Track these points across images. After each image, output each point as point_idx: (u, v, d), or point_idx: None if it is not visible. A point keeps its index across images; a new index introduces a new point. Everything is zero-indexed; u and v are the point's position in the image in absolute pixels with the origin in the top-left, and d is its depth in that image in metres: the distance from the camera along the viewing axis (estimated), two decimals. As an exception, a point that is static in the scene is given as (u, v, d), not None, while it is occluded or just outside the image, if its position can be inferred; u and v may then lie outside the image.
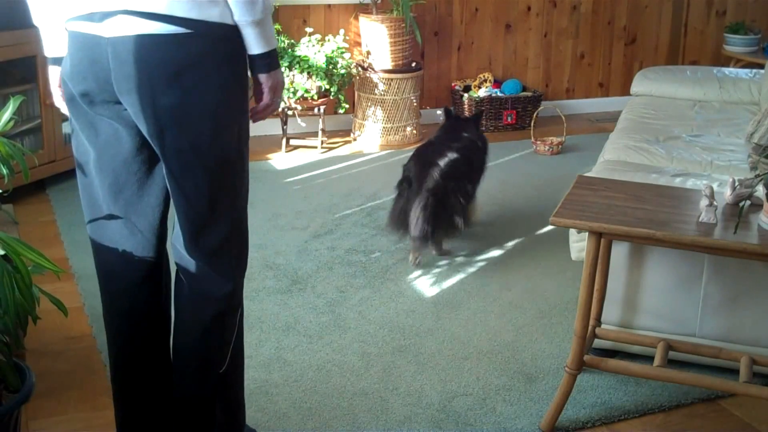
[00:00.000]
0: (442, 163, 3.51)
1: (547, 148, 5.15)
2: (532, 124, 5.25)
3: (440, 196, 3.45)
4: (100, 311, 3.06)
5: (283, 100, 4.87)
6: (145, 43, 1.78)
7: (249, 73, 1.96)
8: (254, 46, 1.88)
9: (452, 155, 3.57)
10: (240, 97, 1.92)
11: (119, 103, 1.87)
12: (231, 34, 1.85)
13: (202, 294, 2.03)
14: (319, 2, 5.32)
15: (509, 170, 4.81)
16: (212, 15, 1.80)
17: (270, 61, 1.93)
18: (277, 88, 1.98)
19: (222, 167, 1.93)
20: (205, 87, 1.83)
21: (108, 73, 1.83)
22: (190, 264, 2.00)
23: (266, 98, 1.98)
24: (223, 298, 2.03)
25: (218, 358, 2.09)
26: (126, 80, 1.81)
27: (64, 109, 2.01)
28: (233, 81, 1.88)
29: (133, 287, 2.09)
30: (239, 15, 1.82)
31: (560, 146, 5.18)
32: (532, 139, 5.18)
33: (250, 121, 2.01)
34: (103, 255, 2.08)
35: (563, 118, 5.23)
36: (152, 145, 1.90)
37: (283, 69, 4.79)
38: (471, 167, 3.67)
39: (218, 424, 2.15)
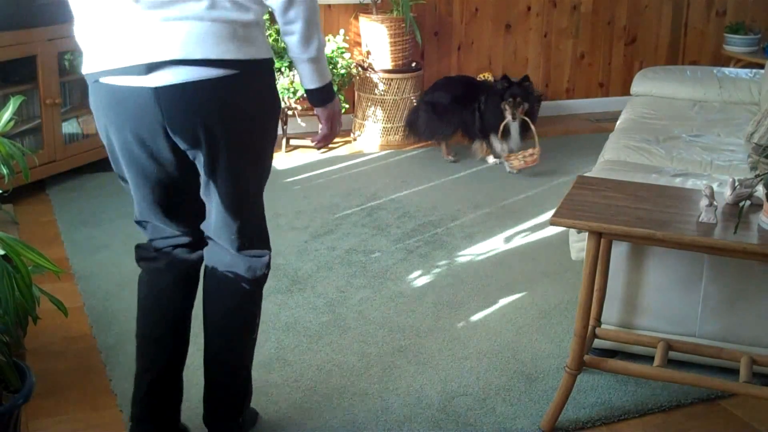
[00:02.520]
0: (428, 97, 5.04)
1: (518, 162, 4.72)
2: (499, 134, 4.75)
3: (414, 117, 5.09)
4: (100, 311, 3.09)
5: (284, 101, 4.88)
6: (199, 87, 1.89)
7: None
8: (309, 81, 2.04)
9: (441, 95, 4.98)
10: (275, 121, 2.09)
11: (167, 137, 1.97)
12: (266, 66, 1.99)
13: (239, 267, 2.15)
14: (319, 2, 5.30)
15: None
16: (251, 53, 1.92)
17: (325, 94, 2.08)
18: (334, 118, 2.14)
19: (255, 180, 2.10)
20: (252, 116, 1.98)
21: (157, 119, 1.92)
22: (222, 250, 2.15)
23: (324, 129, 2.15)
24: (262, 267, 2.17)
25: (252, 327, 2.24)
26: (181, 122, 1.92)
27: None
28: (271, 109, 2.05)
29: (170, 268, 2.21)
30: (296, 52, 1.99)
31: (534, 160, 4.70)
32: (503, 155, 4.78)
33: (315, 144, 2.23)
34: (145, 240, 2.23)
35: (533, 133, 4.72)
36: (199, 167, 2.03)
37: (283, 69, 4.81)
38: (465, 105, 4.92)
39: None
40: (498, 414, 2.54)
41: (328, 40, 5.07)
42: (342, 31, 5.19)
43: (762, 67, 4.96)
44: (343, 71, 4.97)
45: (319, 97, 2.08)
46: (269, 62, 2.00)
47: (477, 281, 3.42)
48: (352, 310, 3.16)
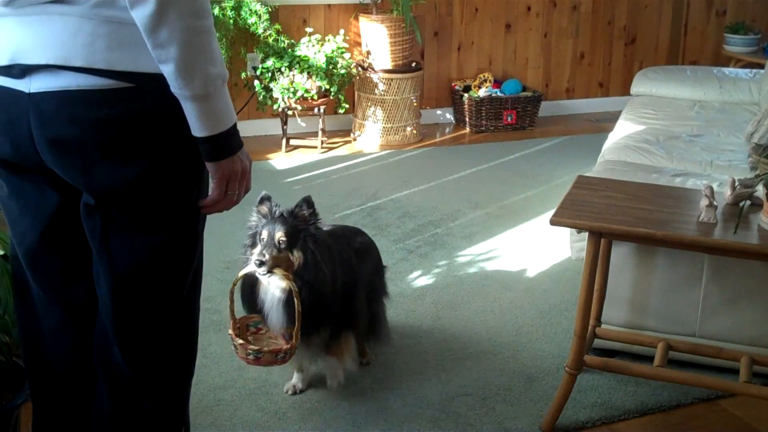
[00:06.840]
0: None
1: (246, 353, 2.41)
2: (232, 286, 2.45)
3: None
4: (100, 311, 3.07)
5: (283, 101, 4.87)
6: (77, 99, 1.45)
7: None
8: (195, 126, 1.49)
9: None
10: (194, 165, 1.57)
11: (47, 169, 1.56)
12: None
13: (123, 405, 1.68)
14: (319, 2, 5.32)
15: (509, 170, 4.82)
16: (151, 65, 1.46)
17: (218, 146, 1.52)
18: (231, 179, 1.58)
19: (165, 251, 1.60)
20: (153, 155, 1.51)
21: (29, 137, 1.50)
22: (111, 363, 1.67)
23: (214, 192, 1.59)
24: (148, 415, 1.68)
25: None
26: (53, 146, 1.49)
27: None
28: (187, 144, 1.53)
29: (62, 375, 1.78)
30: (174, 87, 1.45)
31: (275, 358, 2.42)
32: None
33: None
34: (28, 332, 1.79)
35: (297, 314, 2.36)
36: (83, 221, 1.59)
37: (283, 69, 4.81)
38: None
39: None
40: (498, 414, 2.54)
41: (328, 41, 5.07)
42: (342, 31, 5.19)
43: (762, 67, 4.96)
44: (343, 71, 4.97)
45: (210, 149, 1.51)
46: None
47: (477, 281, 3.42)
48: (352, 310, 3.16)
